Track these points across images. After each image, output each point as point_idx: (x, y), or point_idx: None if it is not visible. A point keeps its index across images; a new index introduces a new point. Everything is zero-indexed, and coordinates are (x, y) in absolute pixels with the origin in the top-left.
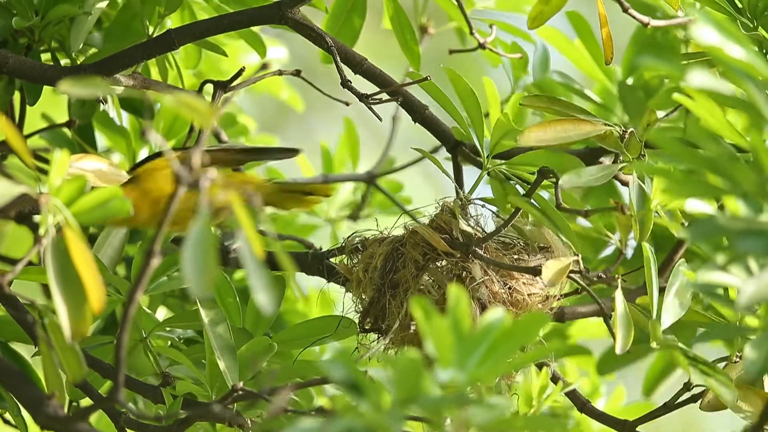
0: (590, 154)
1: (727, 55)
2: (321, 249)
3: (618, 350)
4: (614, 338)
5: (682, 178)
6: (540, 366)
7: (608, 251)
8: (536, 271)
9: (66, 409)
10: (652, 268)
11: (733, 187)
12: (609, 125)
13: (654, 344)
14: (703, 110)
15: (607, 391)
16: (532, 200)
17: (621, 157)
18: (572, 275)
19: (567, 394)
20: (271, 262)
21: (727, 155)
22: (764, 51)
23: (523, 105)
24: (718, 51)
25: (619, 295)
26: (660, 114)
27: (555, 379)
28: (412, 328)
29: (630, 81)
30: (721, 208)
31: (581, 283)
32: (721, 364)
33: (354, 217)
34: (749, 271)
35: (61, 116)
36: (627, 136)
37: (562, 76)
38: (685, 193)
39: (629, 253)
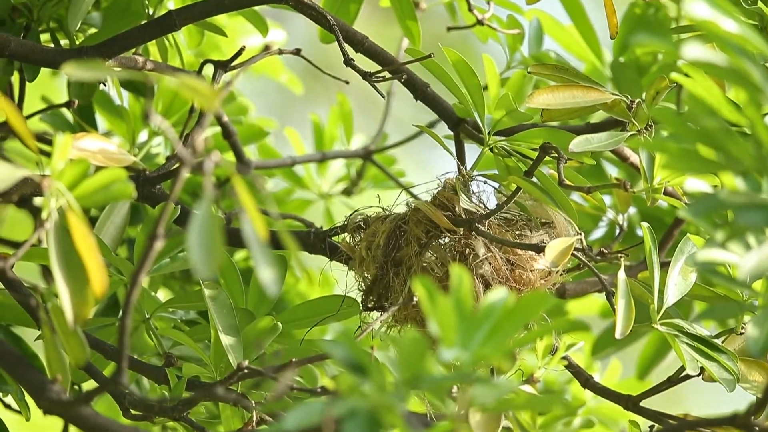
0: (593, 130)
1: (721, 28)
2: (322, 228)
3: (618, 335)
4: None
5: (680, 152)
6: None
7: (600, 231)
8: (539, 248)
9: (68, 392)
10: (653, 250)
11: (731, 163)
12: (616, 94)
13: (655, 326)
14: (699, 88)
15: (602, 366)
16: (534, 177)
17: (628, 127)
18: (575, 253)
19: (570, 370)
20: (272, 242)
21: (724, 129)
22: (765, 26)
23: (531, 73)
24: (712, 25)
25: (621, 277)
26: None
27: (556, 350)
28: (415, 304)
29: (622, 60)
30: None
31: (585, 261)
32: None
33: (348, 192)
34: (749, 247)
35: (60, 98)
36: (635, 106)
37: (556, 53)
38: (684, 168)
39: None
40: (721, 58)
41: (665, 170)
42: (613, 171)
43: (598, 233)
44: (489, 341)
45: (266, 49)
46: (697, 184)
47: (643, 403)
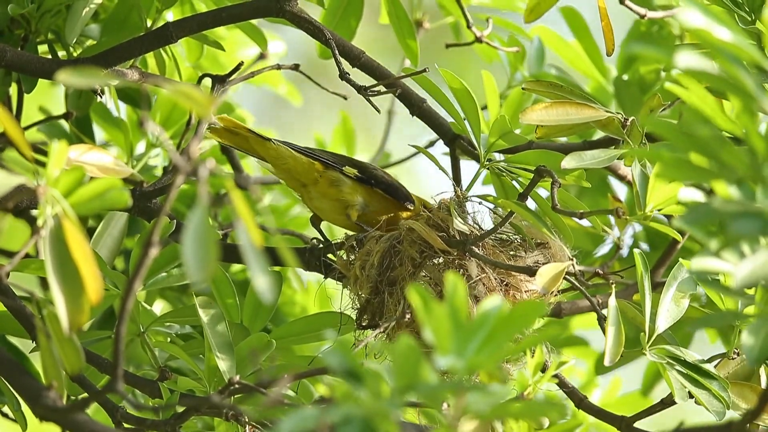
0: (588, 148)
1: (715, 37)
2: (319, 245)
3: (607, 362)
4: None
5: (675, 162)
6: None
7: (606, 247)
8: (531, 271)
9: (64, 399)
10: (644, 276)
11: (725, 171)
12: (610, 112)
13: (645, 353)
14: (695, 98)
15: (603, 382)
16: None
17: (622, 145)
18: (568, 277)
19: (565, 391)
20: (270, 257)
21: (718, 138)
22: (761, 45)
23: (526, 90)
24: (706, 33)
25: (612, 305)
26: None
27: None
28: (407, 322)
29: (626, 77)
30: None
31: (577, 285)
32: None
33: None
34: (743, 255)
35: (58, 109)
36: (628, 123)
37: (558, 70)
38: (679, 177)
39: (626, 251)
40: (712, 65)
41: (658, 193)
42: (621, 188)
43: (604, 249)
44: (484, 349)
45: (261, 57)
46: (690, 193)
47: (638, 424)
